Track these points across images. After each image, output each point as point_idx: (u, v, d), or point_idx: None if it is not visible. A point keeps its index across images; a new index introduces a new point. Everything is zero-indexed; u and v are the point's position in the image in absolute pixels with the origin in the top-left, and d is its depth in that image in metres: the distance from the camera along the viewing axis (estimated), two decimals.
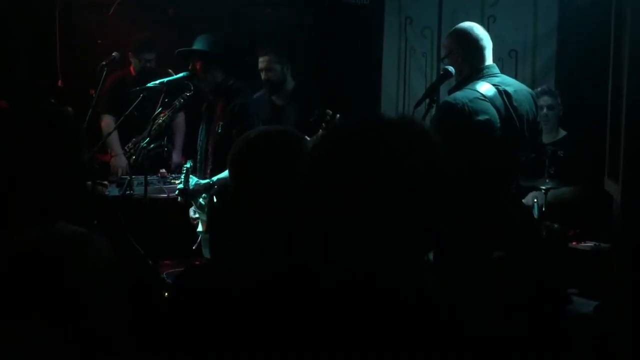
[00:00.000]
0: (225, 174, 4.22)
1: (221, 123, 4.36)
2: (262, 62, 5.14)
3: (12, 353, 1.26)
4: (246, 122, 4.28)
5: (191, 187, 4.16)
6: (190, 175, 4.17)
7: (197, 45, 4.43)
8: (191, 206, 4.44)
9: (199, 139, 4.61)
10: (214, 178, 4.23)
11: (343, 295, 1.22)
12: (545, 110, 4.74)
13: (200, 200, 4.31)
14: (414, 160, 1.22)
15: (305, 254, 1.29)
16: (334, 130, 1.30)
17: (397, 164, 1.21)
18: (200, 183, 4.20)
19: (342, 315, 1.21)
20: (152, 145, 4.48)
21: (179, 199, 4.27)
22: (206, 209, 4.30)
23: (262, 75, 5.14)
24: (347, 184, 1.21)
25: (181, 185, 4.16)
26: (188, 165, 4.20)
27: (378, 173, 1.20)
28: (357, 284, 1.23)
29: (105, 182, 4.73)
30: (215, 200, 4.25)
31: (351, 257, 1.23)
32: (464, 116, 3.42)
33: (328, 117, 4.28)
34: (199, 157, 4.54)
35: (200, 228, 4.37)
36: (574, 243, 4.27)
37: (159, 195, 4.73)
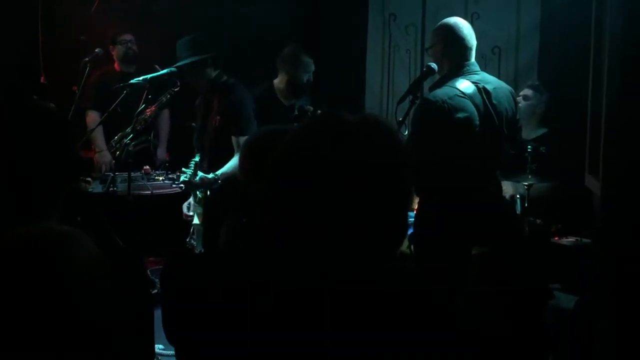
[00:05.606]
0: (228, 167, 4.21)
1: (218, 118, 4.37)
2: None
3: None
4: (241, 119, 4.30)
5: (197, 180, 4.14)
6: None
7: (182, 52, 4.40)
8: (186, 200, 4.44)
9: (195, 134, 4.59)
10: (219, 172, 4.22)
11: (317, 292, 1.24)
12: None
13: (199, 193, 4.32)
14: (375, 158, 1.25)
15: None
16: (295, 133, 1.31)
17: (358, 163, 1.23)
18: (206, 177, 4.18)
19: (322, 311, 1.23)
20: (134, 142, 4.46)
21: (182, 187, 4.23)
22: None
23: None
24: (311, 184, 1.23)
25: (186, 177, 4.11)
26: (197, 158, 4.20)
27: (341, 173, 1.22)
28: (328, 282, 1.25)
29: (89, 179, 4.72)
30: (209, 193, 4.25)
31: (319, 255, 1.25)
32: (444, 114, 3.43)
33: (309, 113, 4.28)
34: (196, 151, 4.52)
35: (196, 220, 4.37)
36: (556, 238, 4.30)
37: (142, 192, 4.72)
